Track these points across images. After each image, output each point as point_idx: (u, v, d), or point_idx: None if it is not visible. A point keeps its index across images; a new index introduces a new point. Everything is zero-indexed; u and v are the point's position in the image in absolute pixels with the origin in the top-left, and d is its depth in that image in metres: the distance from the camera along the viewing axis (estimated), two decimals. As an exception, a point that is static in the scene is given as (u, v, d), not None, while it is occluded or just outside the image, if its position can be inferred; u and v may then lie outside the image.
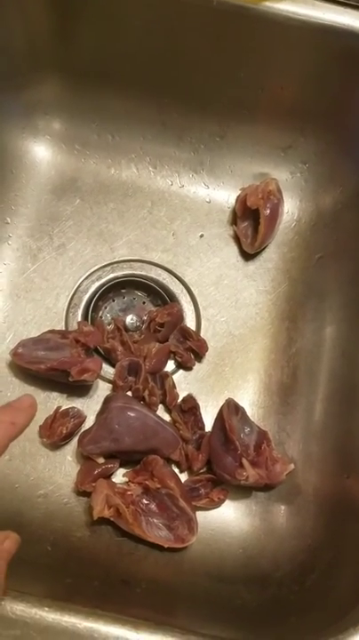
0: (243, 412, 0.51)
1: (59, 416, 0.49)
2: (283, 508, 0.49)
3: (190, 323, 0.56)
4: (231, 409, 0.51)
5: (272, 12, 0.47)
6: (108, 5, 0.50)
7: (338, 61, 0.50)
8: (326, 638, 0.36)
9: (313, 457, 0.50)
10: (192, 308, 0.56)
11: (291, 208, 0.59)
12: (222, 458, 0.48)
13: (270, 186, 0.57)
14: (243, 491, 0.50)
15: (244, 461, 0.47)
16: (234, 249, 0.59)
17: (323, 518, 0.47)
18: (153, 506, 0.46)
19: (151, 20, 0.51)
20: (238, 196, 0.59)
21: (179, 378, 0.54)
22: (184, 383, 0.54)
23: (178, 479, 0.47)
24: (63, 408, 0.50)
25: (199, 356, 0.54)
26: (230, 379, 0.54)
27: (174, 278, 0.57)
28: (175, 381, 0.53)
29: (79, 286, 0.55)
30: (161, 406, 0.52)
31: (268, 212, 0.56)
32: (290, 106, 0.56)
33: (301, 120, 0.56)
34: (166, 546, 0.45)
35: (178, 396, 0.52)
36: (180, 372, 0.54)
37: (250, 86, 0.54)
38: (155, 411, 0.51)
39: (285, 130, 0.57)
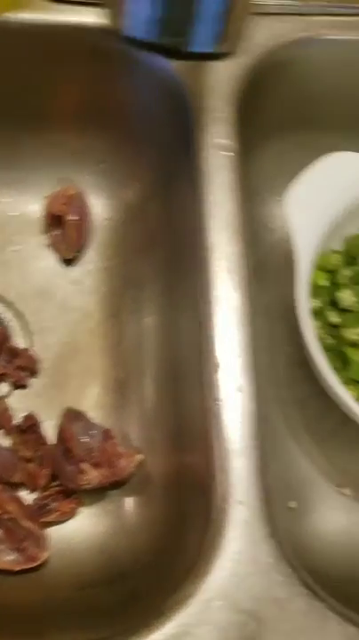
0: (85, 417, 0.52)
1: None
2: (133, 499, 0.50)
3: (21, 339, 0.55)
4: (70, 417, 0.51)
5: (12, 22, 0.47)
6: None
7: (93, 60, 0.51)
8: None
9: (155, 443, 0.51)
10: (19, 323, 0.56)
11: (99, 208, 0.60)
12: (64, 467, 0.48)
13: (70, 190, 0.57)
14: (96, 494, 0.50)
15: (83, 465, 0.47)
16: (53, 257, 0.59)
17: (170, 501, 0.48)
18: (-2, 533, 0.45)
19: None
20: (44, 205, 0.58)
21: (18, 397, 0.53)
22: (23, 402, 0.53)
23: (18, 501, 0.47)
24: None
25: (33, 372, 0.54)
26: (69, 387, 0.54)
27: (-5, 299, 0.56)
28: (14, 402, 0.52)
29: None
30: (2, 431, 0.52)
31: (73, 216, 0.56)
32: (72, 109, 0.56)
33: (87, 122, 0.56)
34: (16, 569, 0.44)
35: (12, 417, 0.51)
36: (17, 391, 0.53)
37: (28, 97, 0.54)
38: (-9, 437, 0.50)
39: (76, 132, 0.57)
